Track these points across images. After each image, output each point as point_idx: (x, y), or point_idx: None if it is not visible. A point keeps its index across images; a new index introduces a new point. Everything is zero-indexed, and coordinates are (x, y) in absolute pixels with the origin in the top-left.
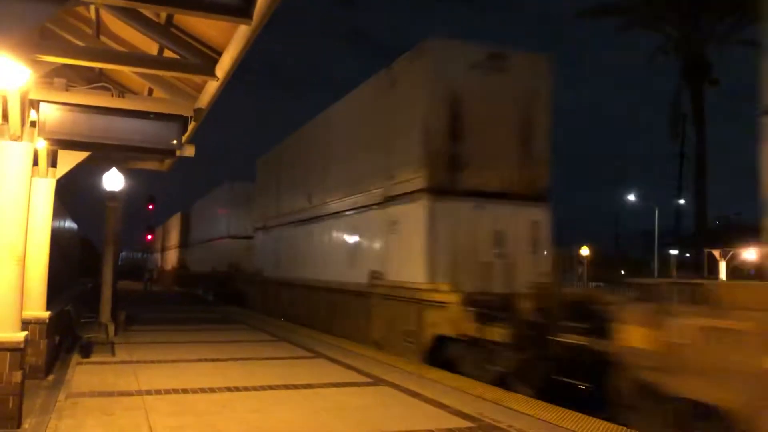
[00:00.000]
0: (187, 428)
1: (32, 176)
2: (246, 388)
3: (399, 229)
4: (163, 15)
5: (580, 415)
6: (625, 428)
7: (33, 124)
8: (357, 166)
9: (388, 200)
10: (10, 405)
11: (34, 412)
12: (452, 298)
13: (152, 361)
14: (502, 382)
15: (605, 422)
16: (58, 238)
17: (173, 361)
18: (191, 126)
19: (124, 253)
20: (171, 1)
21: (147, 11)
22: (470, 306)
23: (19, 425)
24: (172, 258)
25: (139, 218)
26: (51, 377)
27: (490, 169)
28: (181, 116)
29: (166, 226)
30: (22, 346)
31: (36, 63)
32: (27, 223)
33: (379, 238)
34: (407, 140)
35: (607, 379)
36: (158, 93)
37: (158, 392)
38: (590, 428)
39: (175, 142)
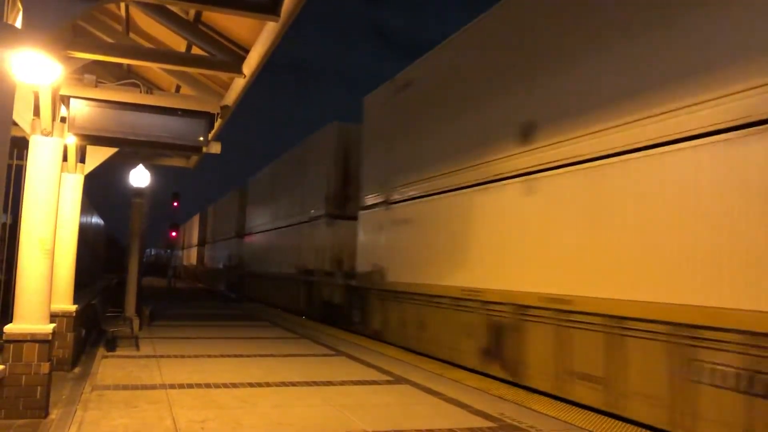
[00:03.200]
0: (210, 422)
1: (61, 171)
2: (268, 384)
3: (311, 239)
4: (192, 12)
5: (604, 417)
6: (639, 429)
7: (63, 119)
8: (292, 197)
9: (307, 221)
10: (38, 395)
11: (61, 402)
12: (328, 280)
13: (176, 356)
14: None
15: (619, 421)
16: (85, 234)
17: (196, 356)
18: (218, 123)
19: (152, 251)
20: None
21: (176, 8)
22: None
23: (46, 415)
24: (194, 255)
25: (164, 215)
26: (77, 369)
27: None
28: (207, 113)
29: (190, 224)
30: (50, 338)
31: (67, 59)
32: (56, 218)
33: (300, 243)
34: (318, 184)
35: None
36: (186, 90)
37: (181, 386)
38: (609, 428)
39: (201, 138)
